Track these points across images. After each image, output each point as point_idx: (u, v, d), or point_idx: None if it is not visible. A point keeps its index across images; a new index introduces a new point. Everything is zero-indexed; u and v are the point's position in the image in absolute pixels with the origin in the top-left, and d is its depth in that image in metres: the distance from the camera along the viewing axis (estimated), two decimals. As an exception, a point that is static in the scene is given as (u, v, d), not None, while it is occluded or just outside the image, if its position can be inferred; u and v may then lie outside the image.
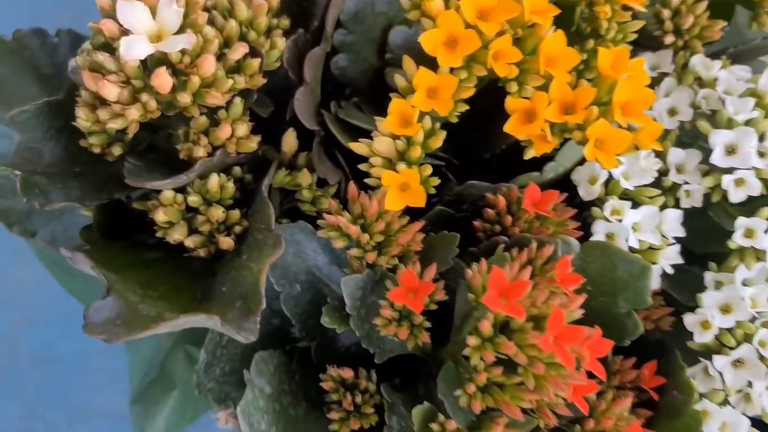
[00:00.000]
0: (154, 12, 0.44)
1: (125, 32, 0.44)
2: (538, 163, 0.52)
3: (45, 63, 0.64)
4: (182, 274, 0.52)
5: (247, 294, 0.45)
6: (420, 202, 0.46)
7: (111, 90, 0.44)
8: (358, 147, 0.48)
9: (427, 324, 0.47)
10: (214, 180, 0.48)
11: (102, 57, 0.44)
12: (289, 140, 0.51)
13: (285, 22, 0.52)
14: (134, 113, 0.44)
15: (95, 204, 0.52)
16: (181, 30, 0.44)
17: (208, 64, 0.44)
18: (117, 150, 0.51)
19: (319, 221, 0.48)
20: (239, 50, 0.47)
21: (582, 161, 0.53)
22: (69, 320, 0.73)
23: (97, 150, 0.51)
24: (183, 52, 0.44)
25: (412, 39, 0.57)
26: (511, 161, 0.55)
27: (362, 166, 0.48)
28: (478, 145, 0.56)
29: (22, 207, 0.61)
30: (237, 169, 0.51)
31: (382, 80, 0.58)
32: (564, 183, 0.53)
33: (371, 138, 0.49)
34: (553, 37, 0.45)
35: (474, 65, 0.44)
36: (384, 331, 0.46)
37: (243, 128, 0.49)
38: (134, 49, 0.43)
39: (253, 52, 0.48)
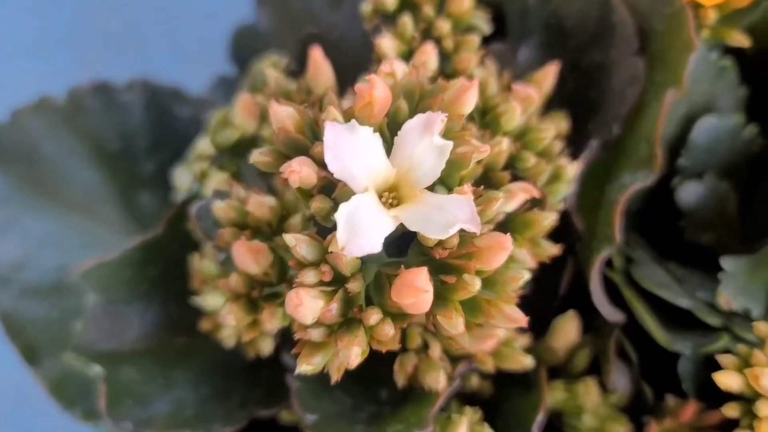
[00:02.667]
0: (386, 145, 0.22)
1: (327, 179, 0.22)
2: None
3: (110, 135, 0.41)
4: None
5: None
6: None
7: (311, 308, 0.22)
8: (727, 381, 0.26)
9: None
10: (462, 429, 0.27)
11: (290, 237, 0.22)
12: (569, 332, 0.30)
13: (564, 123, 0.30)
14: (354, 353, 0.22)
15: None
16: (447, 185, 0.22)
17: (501, 255, 0.22)
18: (267, 345, 0.29)
19: None
20: (518, 196, 0.25)
21: None
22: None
23: (230, 343, 0.29)
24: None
25: (723, 137, 0.36)
26: None
27: (729, 411, 0.26)
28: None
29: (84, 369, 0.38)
30: (474, 381, 0.30)
31: (663, 197, 0.37)
32: None
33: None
34: None
35: None
36: None
37: (506, 329, 0.27)
38: (368, 235, 0.21)
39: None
